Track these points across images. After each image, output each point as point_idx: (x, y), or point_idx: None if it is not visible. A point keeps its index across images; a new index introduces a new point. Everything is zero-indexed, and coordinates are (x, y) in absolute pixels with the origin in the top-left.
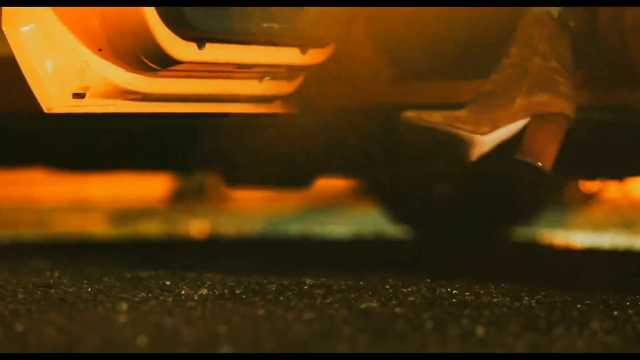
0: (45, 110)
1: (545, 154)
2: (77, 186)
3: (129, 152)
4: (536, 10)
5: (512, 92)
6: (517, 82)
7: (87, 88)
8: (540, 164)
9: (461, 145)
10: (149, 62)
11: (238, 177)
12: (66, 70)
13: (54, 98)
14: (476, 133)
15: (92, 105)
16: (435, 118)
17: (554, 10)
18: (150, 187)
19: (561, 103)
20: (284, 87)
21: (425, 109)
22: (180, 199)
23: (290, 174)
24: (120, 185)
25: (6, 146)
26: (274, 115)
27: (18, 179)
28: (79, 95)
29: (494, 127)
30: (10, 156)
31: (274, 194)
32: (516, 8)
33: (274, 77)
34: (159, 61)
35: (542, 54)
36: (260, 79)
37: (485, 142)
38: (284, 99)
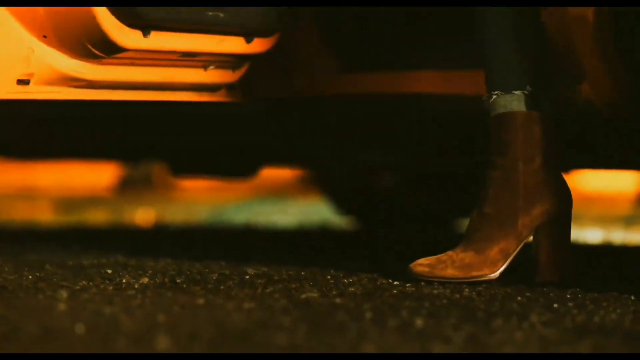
0: None
1: (563, 265)
2: (24, 174)
3: (77, 140)
4: (501, 109)
5: (511, 213)
6: (513, 199)
7: (31, 75)
8: (560, 278)
9: None
10: (94, 49)
11: (184, 166)
12: (10, 56)
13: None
14: (493, 273)
15: (36, 92)
16: (448, 272)
17: (519, 102)
18: (97, 175)
19: (556, 201)
20: (228, 76)
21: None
22: (127, 187)
23: (236, 164)
24: (67, 174)
25: None
26: (219, 104)
27: None
28: (23, 82)
29: (506, 258)
30: None
31: (220, 184)
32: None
33: (219, 66)
34: (104, 48)
35: (524, 158)
36: (205, 67)
37: (500, 272)
38: (229, 88)
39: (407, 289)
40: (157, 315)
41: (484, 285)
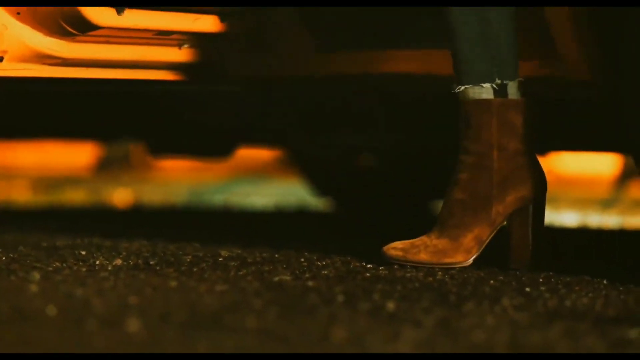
0: None
1: (536, 251)
2: (1, 153)
3: (54, 119)
4: (475, 95)
5: (486, 200)
6: (487, 186)
7: (5, 52)
8: (534, 264)
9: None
10: (67, 27)
11: (162, 146)
12: None
13: None
14: (467, 260)
15: (10, 70)
16: (422, 257)
17: (488, 94)
18: (75, 155)
19: (530, 187)
20: (203, 55)
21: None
22: (105, 167)
23: (213, 143)
24: (45, 153)
25: None
26: (195, 83)
27: None
28: None
29: (480, 245)
30: None
31: (198, 164)
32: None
33: (193, 44)
34: (78, 26)
35: (498, 144)
36: (179, 46)
37: (473, 259)
38: (204, 67)
39: (380, 272)
40: (129, 297)
41: (458, 268)
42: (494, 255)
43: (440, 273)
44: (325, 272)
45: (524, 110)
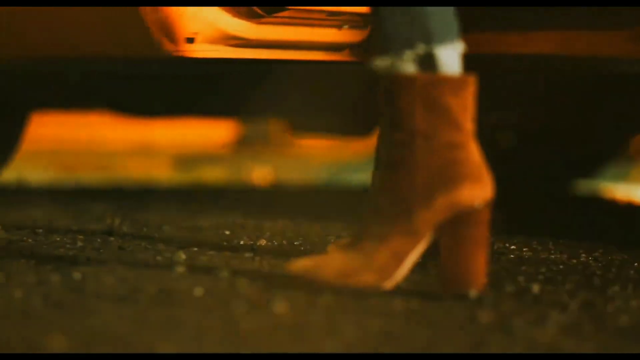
0: (165, 54)
1: (476, 275)
2: (142, 131)
3: (195, 97)
4: (394, 68)
5: (407, 205)
6: (409, 188)
7: (196, 33)
8: (473, 291)
9: None
10: (257, 9)
11: (302, 125)
12: (183, 14)
13: (171, 42)
14: (380, 281)
15: (199, 51)
16: (325, 275)
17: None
18: (214, 133)
19: (468, 189)
20: (355, 36)
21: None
22: (244, 145)
23: (353, 122)
24: (184, 131)
25: (73, 88)
26: (338, 63)
27: (83, 122)
28: (189, 40)
29: (399, 262)
30: (77, 98)
31: (337, 142)
32: None
33: (352, 25)
34: (267, 7)
35: (424, 134)
36: (340, 27)
37: (394, 280)
38: (353, 47)
39: (524, 253)
40: (274, 278)
41: (601, 250)
42: (636, 239)
43: (584, 255)
44: None
45: (459, 89)
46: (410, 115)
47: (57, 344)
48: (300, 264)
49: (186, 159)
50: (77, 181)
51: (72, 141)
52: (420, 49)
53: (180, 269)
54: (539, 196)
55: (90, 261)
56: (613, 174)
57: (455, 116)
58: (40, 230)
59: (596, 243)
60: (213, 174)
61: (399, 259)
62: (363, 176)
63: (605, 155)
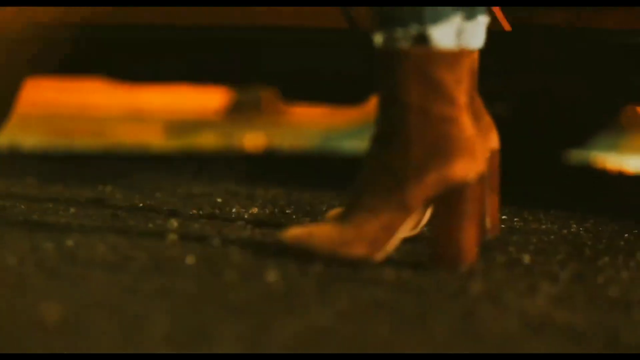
0: None
1: (471, 250)
2: (134, 96)
3: (187, 64)
4: (389, 43)
5: (398, 179)
6: (402, 161)
7: None
8: (464, 266)
9: None
10: None
11: (294, 92)
12: None
13: None
14: (371, 253)
15: None
16: (316, 244)
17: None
18: (206, 99)
19: (462, 164)
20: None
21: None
22: (237, 111)
23: (346, 91)
24: (176, 97)
25: (66, 55)
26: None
27: (76, 87)
28: None
29: (390, 235)
30: (70, 64)
31: (330, 110)
32: None
33: None
34: None
35: (418, 108)
36: None
37: (385, 252)
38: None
39: (515, 224)
40: (266, 247)
41: (592, 221)
42: (630, 208)
43: (574, 226)
44: None
45: (453, 63)
46: (404, 89)
47: (51, 313)
48: (292, 234)
49: (178, 125)
50: (70, 146)
51: (65, 106)
52: (414, 28)
53: (172, 237)
54: (531, 166)
55: (83, 228)
56: (604, 144)
57: (448, 90)
58: (33, 197)
59: (587, 214)
60: (205, 140)
61: (390, 232)
62: (356, 143)
63: (597, 125)
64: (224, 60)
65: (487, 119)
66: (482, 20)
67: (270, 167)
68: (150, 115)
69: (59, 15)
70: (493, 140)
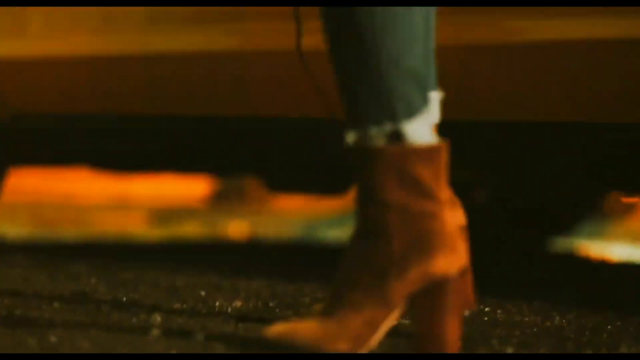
0: None
1: (453, 342)
2: (119, 185)
3: (171, 153)
4: (363, 141)
5: (381, 276)
6: (383, 258)
7: None
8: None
9: None
10: None
11: (278, 181)
12: None
13: None
14: (355, 348)
15: None
16: (299, 340)
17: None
18: (190, 187)
19: (442, 259)
20: None
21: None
22: (220, 200)
23: (329, 180)
24: (160, 185)
25: (52, 145)
26: (314, 121)
27: (61, 176)
28: None
29: (374, 330)
30: (54, 154)
31: (313, 199)
32: None
33: None
34: None
35: (397, 205)
36: None
37: (368, 347)
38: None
39: (498, 315)
40: (250, 343)
41: (575, 313)
42: (613, 298)
43: (557, 318)
44: None
45: (430, 158)
46: (381, 187)
47: None
48: (276, 330)
49: (163, 214)
50: (55, 236)
51: (49, 195)
52: (388, 126)
53: (156, 332)
54: (513, 253)
55: (67, 323)
56: (588, 231)
57: (427, 186)
58: (17, 291)
59: (570, 305)
60: (189, 229)
61: (373, 327)
62: (339, 232)
63: (581, 212)
64: (208, 149)
65: (451, 196)
66: (435, 96)
67: (254, 256)
68: (134, 203)
69: (43, 105)
70: (458, 217)
